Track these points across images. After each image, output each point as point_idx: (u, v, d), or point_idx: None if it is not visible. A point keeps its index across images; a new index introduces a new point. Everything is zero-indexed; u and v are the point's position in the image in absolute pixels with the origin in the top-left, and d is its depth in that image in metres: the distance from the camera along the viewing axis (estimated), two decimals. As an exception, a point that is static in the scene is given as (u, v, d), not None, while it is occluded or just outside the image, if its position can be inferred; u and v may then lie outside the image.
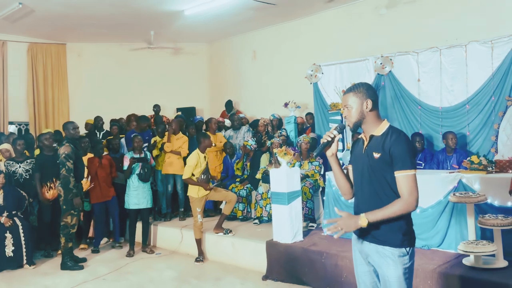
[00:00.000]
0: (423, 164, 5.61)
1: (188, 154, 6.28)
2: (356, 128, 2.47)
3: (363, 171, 2.44)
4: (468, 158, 4.64)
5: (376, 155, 2.36)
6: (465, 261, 4.01)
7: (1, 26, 8.38)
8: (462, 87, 5.58)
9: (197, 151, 5.75)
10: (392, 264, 2.32)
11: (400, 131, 2.41)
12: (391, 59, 6.14)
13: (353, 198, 2.59)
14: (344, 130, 6.24)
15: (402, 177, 2.29)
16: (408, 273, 2.35)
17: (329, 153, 2.52)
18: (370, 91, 2.43)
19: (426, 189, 4.51)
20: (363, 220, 2.28)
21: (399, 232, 2.33)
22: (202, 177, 5.62)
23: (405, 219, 2.36)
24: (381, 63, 6.19)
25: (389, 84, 6.20)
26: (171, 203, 7.20)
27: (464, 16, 6.56)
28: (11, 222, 5.66)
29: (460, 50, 5.59)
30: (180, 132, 7.16)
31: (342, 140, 6.23)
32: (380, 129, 2.42)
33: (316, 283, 4.64)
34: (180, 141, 7.01)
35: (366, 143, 2.46)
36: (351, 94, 2.44)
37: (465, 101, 5.55)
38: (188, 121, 8.04)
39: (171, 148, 6.90)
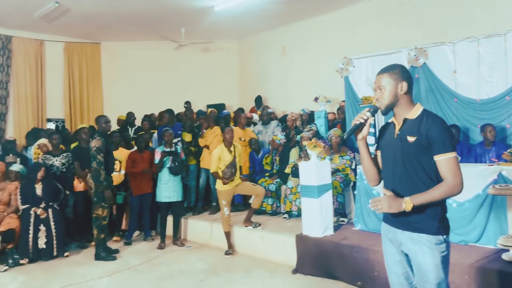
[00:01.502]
0: (459, 158, 5.39)
1: None
2: (388, 111, 2.37)
3: (395, 156, 2.34)
4: (509, 150, 4.46)
5: (411, 139, 2.27)
6: (505, 256, 3.82)
7: (39, 26, 8.70)
8: (501, 77, 5.32)
9: (221, 145, 5.81)
10: (428, 251, 2.23)
11: (436, 114, 2.32)
12: (425, 50, 5.94)
13: (381, 185, 2.49)
14: (376, 117, 6.09)
15: (443, 160, 2.20)
16: (446, 262, 2.25)
17: (359, 136, 2.43)
18: (406, 73, 2.34)
19: (464, 183, 4.34)
20: (408, 203, 2.19)
21: (434, 219, 2.24)
22: (226, 170, 5.64)
23: (440, 206, 2.26)
24: (415, 55, 6.00)
25: (423, 77, 5.98)
26: (203, 197, 7.25)
27: (501, 3, 6.28)
28: (45, 214, 5.84)
29: (499, 40, 5.33)
30: (217, 127, 7.14)
31: (374, 125, 6.05)
32: (414, 112, 2.33)
33: (348, 277, 4.55)
34: (212, 136, 7.05)
35: (398, 126, 2.36)
36: (386, 75, 2.34)
37: (504, 93, 5.29)
38: (218, 117, 8.06)
39: (204, 143, 7.00)
